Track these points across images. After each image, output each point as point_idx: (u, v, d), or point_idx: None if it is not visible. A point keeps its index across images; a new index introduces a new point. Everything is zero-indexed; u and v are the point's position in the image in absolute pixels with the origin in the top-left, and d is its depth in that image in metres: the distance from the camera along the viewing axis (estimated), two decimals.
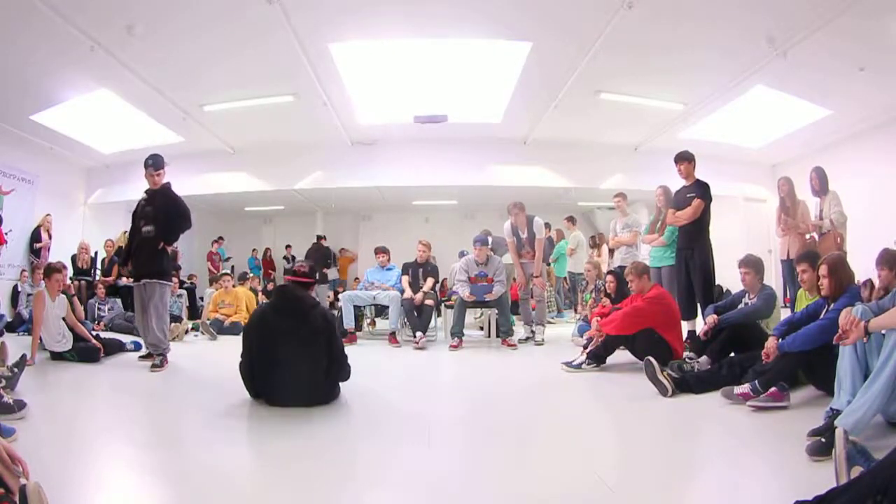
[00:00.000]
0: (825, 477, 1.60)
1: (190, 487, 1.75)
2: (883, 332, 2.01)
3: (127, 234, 4.33)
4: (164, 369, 3.83)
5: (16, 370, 2.99)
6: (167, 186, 4.10)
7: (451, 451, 2.19)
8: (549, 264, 7.58)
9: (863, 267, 3.34)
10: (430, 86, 6.24)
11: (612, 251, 6.20)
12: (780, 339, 2.66)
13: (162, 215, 3.98)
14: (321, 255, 9.47)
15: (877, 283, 3.15)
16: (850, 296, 2.50)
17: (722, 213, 5.12)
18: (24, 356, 3.28)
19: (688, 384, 2.94)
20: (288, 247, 11.79)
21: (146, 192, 4.12)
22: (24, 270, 6.98)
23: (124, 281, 7.39)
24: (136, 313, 4.18)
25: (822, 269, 2.65)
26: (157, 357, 3.90)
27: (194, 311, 7.40)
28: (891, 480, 1.24)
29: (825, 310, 2.61)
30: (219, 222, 11.50)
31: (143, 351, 4.12)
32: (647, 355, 3.25)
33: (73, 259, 7.51)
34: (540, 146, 7.90)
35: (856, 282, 2.79)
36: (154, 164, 4.01)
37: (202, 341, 5.66)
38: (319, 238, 9.96)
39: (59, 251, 7.21)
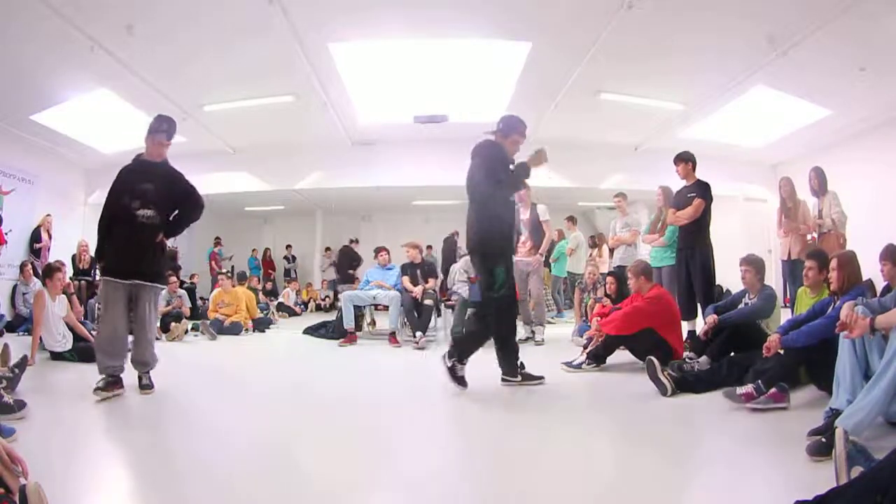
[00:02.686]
0: (825, 477, 1.59)
1: (190, 488, 1.75)
2: (883, 332, 2.01)
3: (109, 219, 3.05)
4: (155, 391, 3.10)
5: (16, 370, 2.99)
6: (168, 162, 3.19)
7: (452, 450, 2.19)
8: (548, 265, 7.57)
9: (863, 267, 3.34)
10: (430, 86, 6.25)
11: (612, 251, 6.20)
12: (783, 336, 2.66)
13: (169, 201, 3.11)
14: (348, 258, 10.17)
15: (880, 280, 3.14)
16: (856, 294, 2.50)
17: (722, 213, 5.11)
18: (24, 357, 3.27)
19: (688, 384, 2.95)
20: (288, 246, 11.81)
21: (142, 162, 3.12)
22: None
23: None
24: (108, 320, 2.99)
25: (833, 263, 2.68)
26: (145, 377, 3.11)
27: (195, 311, 7.40)
28: (891, 480, 1.23)
29: (831, 307, 2.62)
30: (219, 222, 11.50)
31: (101, 380, 2.89)
32: (647, 355, 3.23)
33: (74, 259, 7.51)
34: (540, 146, 7.90)
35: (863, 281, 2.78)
36: (168, 130, 3.13)
37: (202, 341, 5.66)
38: (352, 241, 10.60)
39: (59, 251, 7.21)
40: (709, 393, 2.86)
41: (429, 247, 9.37)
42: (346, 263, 10.09)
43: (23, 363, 3.13)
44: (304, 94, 6.20)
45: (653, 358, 2.98)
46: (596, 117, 6.87)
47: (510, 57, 5.40)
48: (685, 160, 4.31)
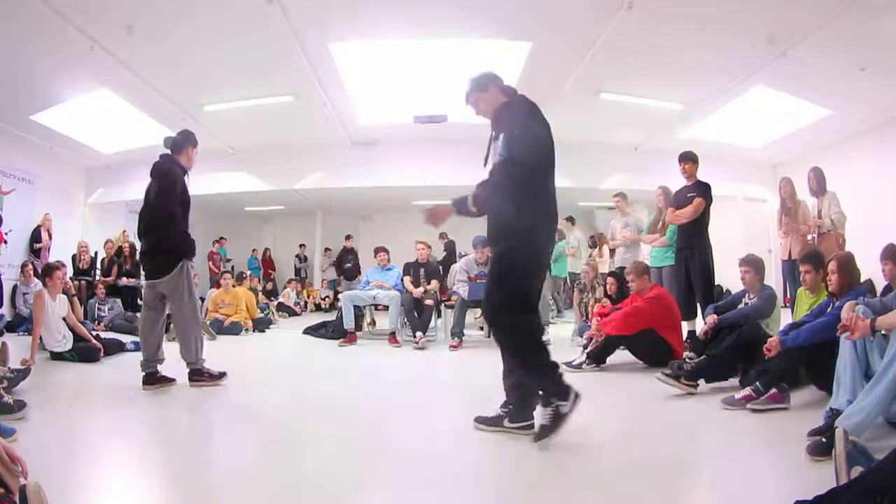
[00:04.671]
0: (825, 477, 1.59)
1: (190, 487, 1.75)
2: (884, 332, 2.01)
3: (177, 215, 3.44)
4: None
5: (16, 373, 2.98)
6: None
7: (452, 450, 2.19)
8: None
9: (863, 267, 3.34)
10: (430, 86, 6.24)
11: (612, 251, 6.20)
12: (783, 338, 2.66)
13: None
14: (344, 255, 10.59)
15: (880, 280, 3.14)
16: (856, 295, 2.50)
17: (722, 213, 5.11)
18: (29, 368, 3.22)
19: (701, 372, 2.95)
20: (302, 245, 11.79)
21: (183, 168, 3.63)
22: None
23: (124, 281, 7.37)
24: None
25: (832, 265, 2.68)
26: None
27: None
28: (891, 481, 1.23)
29: (830, 307, 2.62)
30: (219, 222, 11.49)
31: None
32: (647, 355, 3.24)
33: (74, 259, 7.50)
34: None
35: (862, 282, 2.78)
36: None
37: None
38: (347, 237, 10.84)
39: (59, 251, 7.20)
40: (708, 394, 2.86)
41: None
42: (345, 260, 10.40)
43: (25, 371, 3.10)
44: (304, 94, 6.19)
45: (661, 376, 2.96)
46: (596, 117, 6.85)
47: (510, 57, 5.39)
48: (690, 160, 4.32)
